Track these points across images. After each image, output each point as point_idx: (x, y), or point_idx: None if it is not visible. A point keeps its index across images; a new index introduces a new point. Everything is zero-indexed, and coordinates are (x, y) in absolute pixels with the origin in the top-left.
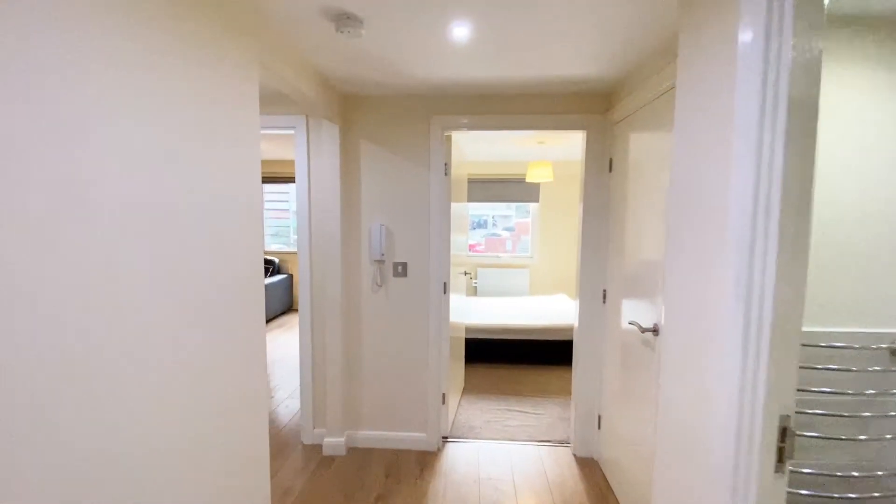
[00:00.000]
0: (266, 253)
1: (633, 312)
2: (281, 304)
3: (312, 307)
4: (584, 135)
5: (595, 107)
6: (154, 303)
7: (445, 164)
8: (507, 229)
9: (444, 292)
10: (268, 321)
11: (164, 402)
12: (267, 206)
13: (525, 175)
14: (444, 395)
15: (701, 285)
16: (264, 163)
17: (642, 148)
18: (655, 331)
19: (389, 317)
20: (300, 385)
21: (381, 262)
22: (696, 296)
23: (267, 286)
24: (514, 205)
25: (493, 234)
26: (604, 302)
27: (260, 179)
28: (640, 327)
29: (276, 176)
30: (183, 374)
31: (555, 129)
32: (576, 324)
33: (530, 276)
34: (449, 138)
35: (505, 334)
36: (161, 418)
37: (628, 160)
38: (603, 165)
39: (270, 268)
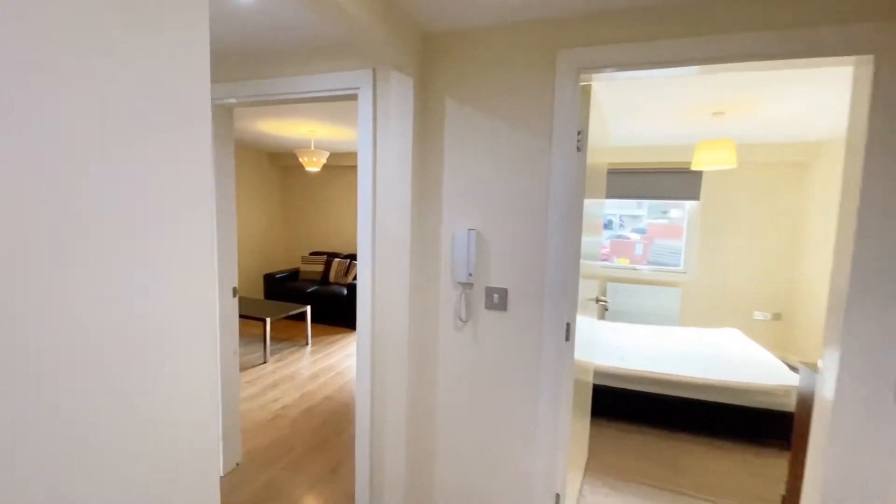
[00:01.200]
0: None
1: None
2: None
3: (373, 342)
4: (870, 65)
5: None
6: None
7: (579, 134)
8: (636, 231)
9: (567, 339)
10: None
11: None
12: None
13: (682, 162)
14: (557, 495)
15: None
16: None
17: None
18: None
19: (477, 368)
20: (356, 448)
21: (467, 285)
22: None
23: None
24: (645, 203)
25: (620, 237)
26: None
27: (209, 161)
28: None
29: None
30: None
31: (803, 58)
32: (819, 416)
33: (682, 297)
34: (587, 90)
35: (651, 386)
36: None
37: None
38: None
39: None
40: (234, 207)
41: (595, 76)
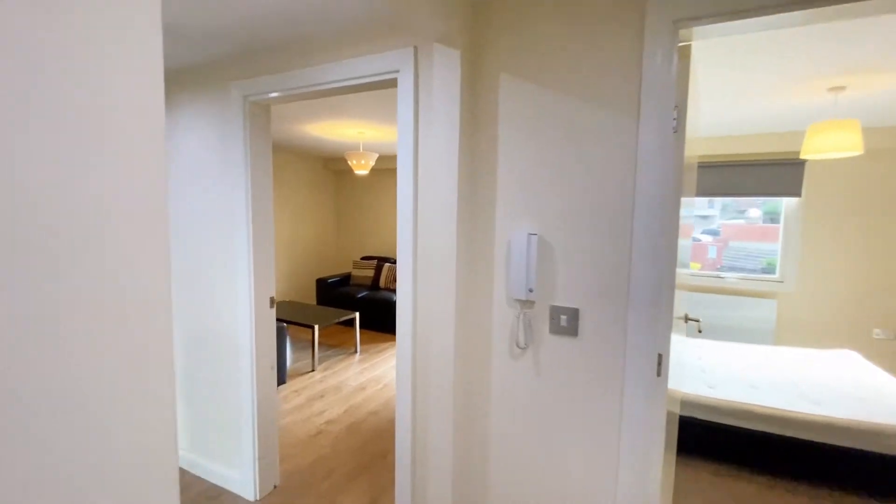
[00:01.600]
0: None
1: None
2: None
3: (414, 371)
4: None
5: None
6: None
7: (675, 110)
8: (708, 233)
9: (659, 374)
10: None
11: None
12: None
13: (780, 153)
14: None
15: None
16: None
17: None
18: None
19: (540, 406)
20: (396, 488)
21: (527, 304)
22: None
23: None
24: (717, 202)
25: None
26: None
27: (162, 159)
28: None
29: None
30: None
31: None
32: None
33: (778, 310)
34: (685, 53)
35: (751, 422)
36: None
37: None
38: None
39: None
40: (272, 212)
41: (697, 30)
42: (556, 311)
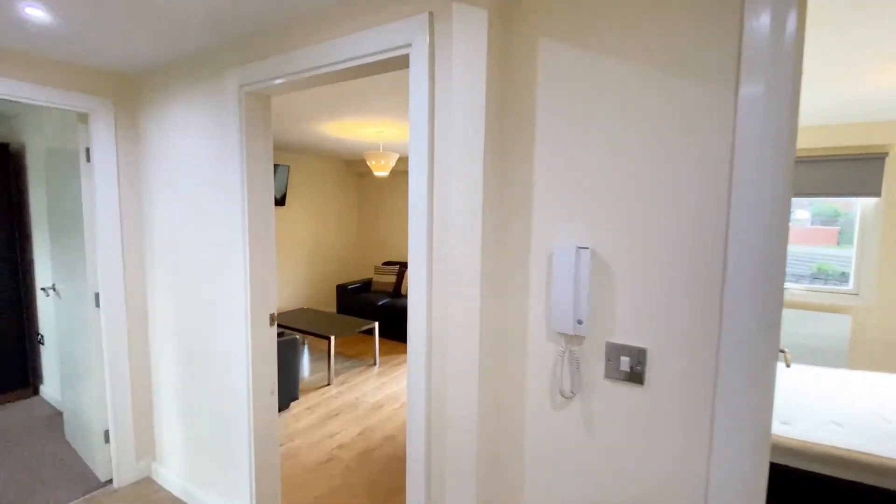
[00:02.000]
0: None
1: None
2: None
3: (430, 423)
4: None
5: None
6: None
7: (791, 80)
8: None
9: (762, 439)
10: None
11: None
12: None
13: (856, 147)
14: None
15: None
16: None
17: None
18: None
19: (591, 472)
20: None
21: (574, 339)
22: None
23: None
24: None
25: None
26: None
27: None
28: None
29: None
30: None
31: None
32: None
33: (853, 327)
34: (802, 1)
35: (832, 468)
36: None
37: None
38: None
39: None
40: (273, 219)
41: None
42: (614, 351)
